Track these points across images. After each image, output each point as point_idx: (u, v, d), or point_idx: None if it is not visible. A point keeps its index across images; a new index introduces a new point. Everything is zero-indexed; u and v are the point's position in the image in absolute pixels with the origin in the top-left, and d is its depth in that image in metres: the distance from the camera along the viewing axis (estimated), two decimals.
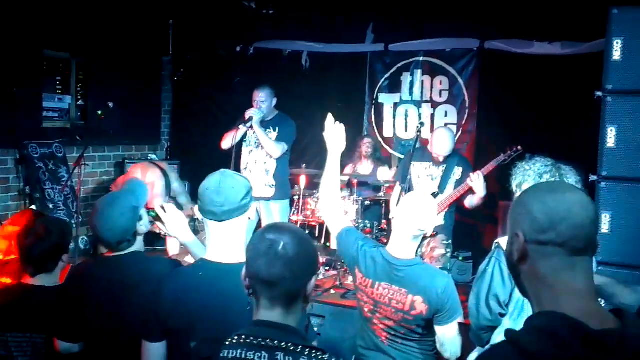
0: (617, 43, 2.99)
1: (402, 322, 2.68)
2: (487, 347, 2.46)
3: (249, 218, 2.12)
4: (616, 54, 3.00)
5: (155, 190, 5.43)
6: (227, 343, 1.51)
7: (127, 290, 2.31)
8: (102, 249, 5.56)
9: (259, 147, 5.39)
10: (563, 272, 1.24)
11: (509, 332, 1.21)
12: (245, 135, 5.43)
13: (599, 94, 3.12)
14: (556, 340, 1.13)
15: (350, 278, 5.64)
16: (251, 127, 5.24)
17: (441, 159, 4.83)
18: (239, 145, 5.39)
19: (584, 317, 1.16)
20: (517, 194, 2.59)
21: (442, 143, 4.78)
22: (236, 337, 1.52)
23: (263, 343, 1.50)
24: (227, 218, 2.04)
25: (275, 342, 1.50)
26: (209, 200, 2.04)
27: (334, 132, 2.81)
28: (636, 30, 3.03)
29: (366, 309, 2.81)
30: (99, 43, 6.56)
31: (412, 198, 2.80)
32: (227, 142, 5.31)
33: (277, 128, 5.39)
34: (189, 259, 2.75)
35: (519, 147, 4.41)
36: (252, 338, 1.51)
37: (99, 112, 5.35)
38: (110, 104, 5.32)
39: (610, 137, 3.07)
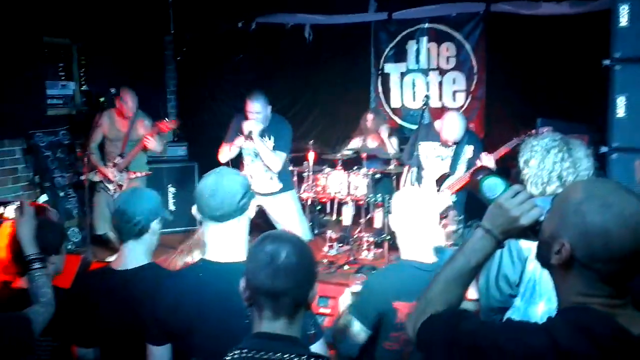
0: (624, 9, 2.84)
1: None
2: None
3: (249, 217, 2.06)
4: (623, 20, 2.85)
5: None
6: (228, 358, 1.47)
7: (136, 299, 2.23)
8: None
9: (259, 155, 5.03)
10: (594, 291, 1.26)
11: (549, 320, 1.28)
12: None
13: (607, 62, 2.99)
14: (590, 338, 1.18)
15: (365, 252, 5.64)
16: (251, 138, 4.87)
17: (450, 143, 4.72)
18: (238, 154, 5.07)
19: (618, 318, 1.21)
20: (524, 171, 2.50)
21: (452, 129, 4.68)
22: (237, 352, 1.48)
23: (265, 357, 1.46)
24: (226, 220, 1.99)
25: (278, 354, 1.46)
26: (206, 204, 1.98)
27: None
28: None
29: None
30: (99, 26, 6.45)
31: (413, 199, 2.55)
32: (224, 156, 4.98)
33: (273, 137, 5.01)
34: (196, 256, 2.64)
35: (533, 131, 4.25)
36: (254, 352, 1.47)
37: (102, 99, 5.26)
38: (113, 90, 5.23)
39: (620, 107, 2.95)
